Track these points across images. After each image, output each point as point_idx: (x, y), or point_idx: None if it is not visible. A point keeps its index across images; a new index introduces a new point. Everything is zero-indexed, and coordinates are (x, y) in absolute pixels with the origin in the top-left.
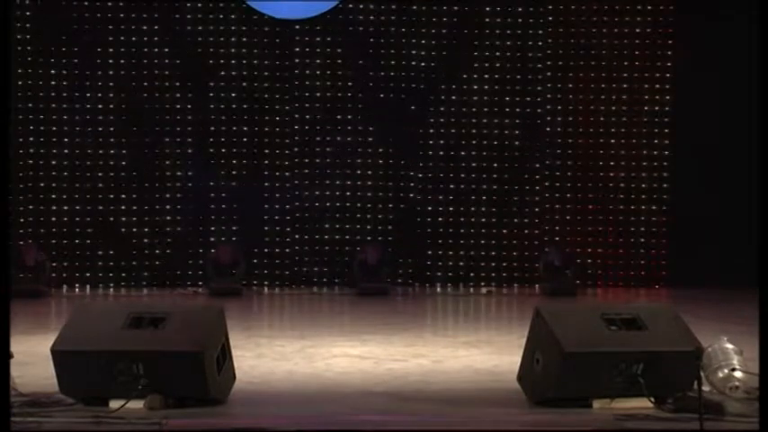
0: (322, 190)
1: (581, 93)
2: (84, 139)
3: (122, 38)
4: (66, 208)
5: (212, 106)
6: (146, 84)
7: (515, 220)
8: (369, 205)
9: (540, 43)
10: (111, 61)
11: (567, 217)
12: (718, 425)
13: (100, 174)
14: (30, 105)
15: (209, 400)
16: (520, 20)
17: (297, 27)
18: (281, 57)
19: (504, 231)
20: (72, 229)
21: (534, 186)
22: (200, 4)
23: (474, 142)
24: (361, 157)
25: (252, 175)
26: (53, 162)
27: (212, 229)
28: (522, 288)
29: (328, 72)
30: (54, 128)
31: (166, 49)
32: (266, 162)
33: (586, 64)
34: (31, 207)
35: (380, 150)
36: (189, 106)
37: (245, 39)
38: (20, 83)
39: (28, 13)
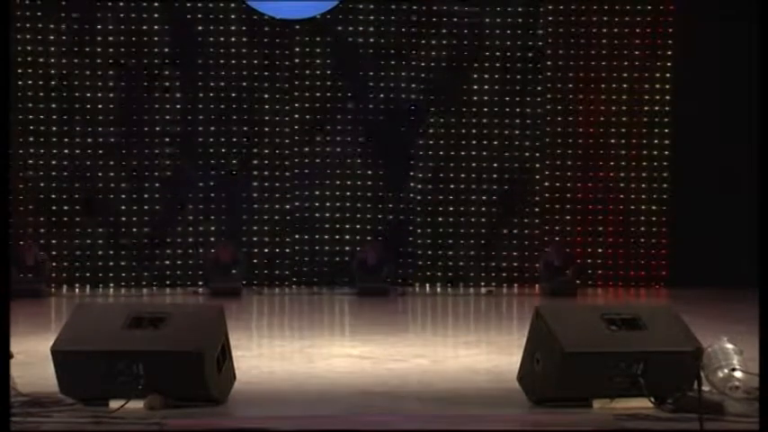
0: (322, 190)
1: (581, 93)
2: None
3: (122, 37)
4: (66, 208)
5: (212, 106)
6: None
7: (515, 220)
8: (368, 205)
9: (540, 43)
10: (110, 61)
11: (567, 217)
12: (718, 425)
13: (100, 173)
14: (30, 105)
15: (209, 400)
16: (520, 20)
17: (297, 27)
18: (282, 57)
19: (504, 231)
20: (72, 230)
21: (534, 186)
22: (200, 4)
23: (474, 142)
24: (360, 157)
25: (250, 175)
26: (53, 162)
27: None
28: (522, 288)
29: (328, 72)
30: (54, 128)
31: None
32: (266, 162)
33: (586, 64)
34: (30, 207)
35: (380, 150)
36: (189, 106)
37: (245, 39)
38: (20, 83)
39: (28, 14)
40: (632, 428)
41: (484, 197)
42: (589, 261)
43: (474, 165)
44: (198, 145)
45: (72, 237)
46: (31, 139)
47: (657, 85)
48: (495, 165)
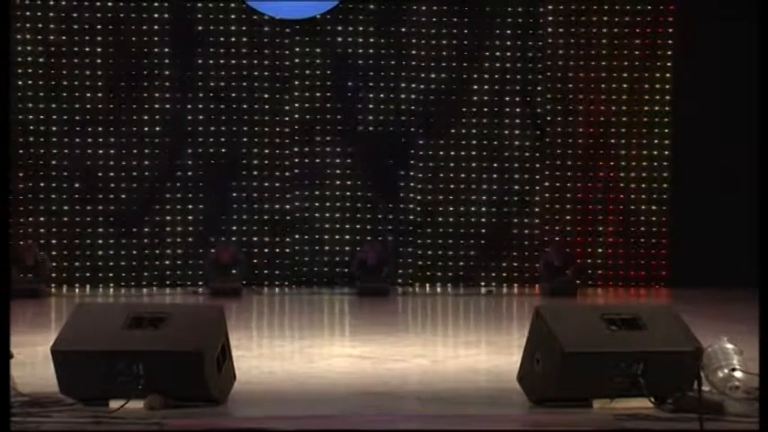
0: (322, 190)
1: (581, 93)
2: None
3: (122, 37)
4: (66, 208)
5: (212, 106)
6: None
7: (515, 220)
8: (369, 205)
9: (540, 43)
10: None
11: (567, 217)
12: (718, 425)
13: (99, 173)
14: (30, 105)
15: (209, 400)
16: (520, 20)
17: (297, 27)
18: (281, 57)
19: (504, 231)
20: (72, 229)
21: (534, 186)
22: (200, 4)
23: (474, 142)
24: (360, 157)
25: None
26: (53, 162)
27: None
28: (522, 288)
29: (328, 72)
30: (54, 128)
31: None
32: (266, 162)
33: (586, 64)
34: (30, 207)
35: (380, 150)
36: (189, 106)
37: (245, 39)
38: (19, 83)
39: (28, 13)
40: (632, 428)
41: (484, 197)
42: (589, 261)
43: (474, 165)
44: (197, 144)
45: (72, 236)
46: (32, 139)
47: (657, 85)
48: (496, 165)
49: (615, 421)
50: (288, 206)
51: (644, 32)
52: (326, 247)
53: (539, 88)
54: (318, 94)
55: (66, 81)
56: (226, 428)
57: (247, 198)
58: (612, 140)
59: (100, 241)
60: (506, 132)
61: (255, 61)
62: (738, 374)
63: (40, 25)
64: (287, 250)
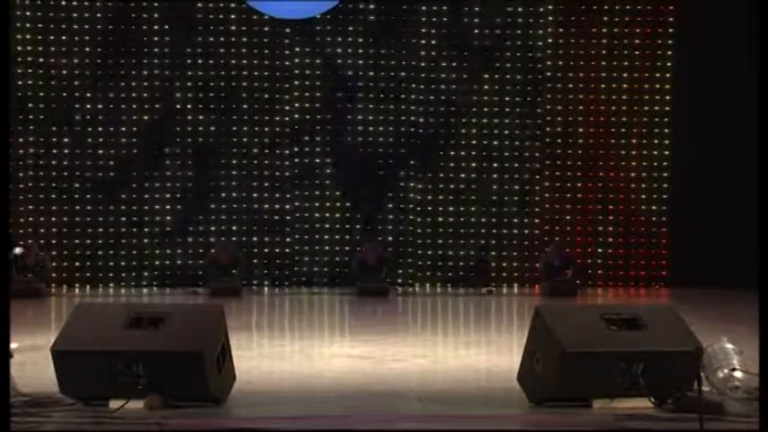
0: (322, 190)
1: (581, 93)
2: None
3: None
4: (66, 208)
5: (212, 106)
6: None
7: (515, 220)
8: (368, 205)
9: (540, 43)
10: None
11: (567, 217)
12: (718, 425)
13: (100, 174)
14: (30, 105)
15: (209, 400)
16: (520, 20)
17: (297, 27)
18: (281, 56)
19: (504, 231)
20: (72, 229)
21: (534, 186)
22: (200, 4)
23: (475, 143)
24: (361, 157)
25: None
26: (53, 162)
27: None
28: (522, 288)
29: (327, 72)
30: (54, 128)
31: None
32: (266, 162)
33: (586, 64)
34: (30, 207)
35: (380, 150)
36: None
37: (244, 39)
38: (19, 83)
39: (28, 13)
40: (632, 428)
41: (484, 197)
42: (589, 261)
43: (474, 165)
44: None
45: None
46: (32, 138)
47: (657, 85)
48: (495, 164)
49: (615, 421)
50: (288, 206)
51: (644, 33)
52: (326, 247)
53: (539, 88)
54: (318, 94)
55: (66, 81)
56: (226, 428)
57: (246, 198)
58: (612, 140)
59: (100, 241)
60: (507, 132)
61: (255, 61)
62: (738, 374)
63: (40, 25)
64: (287, 250)
